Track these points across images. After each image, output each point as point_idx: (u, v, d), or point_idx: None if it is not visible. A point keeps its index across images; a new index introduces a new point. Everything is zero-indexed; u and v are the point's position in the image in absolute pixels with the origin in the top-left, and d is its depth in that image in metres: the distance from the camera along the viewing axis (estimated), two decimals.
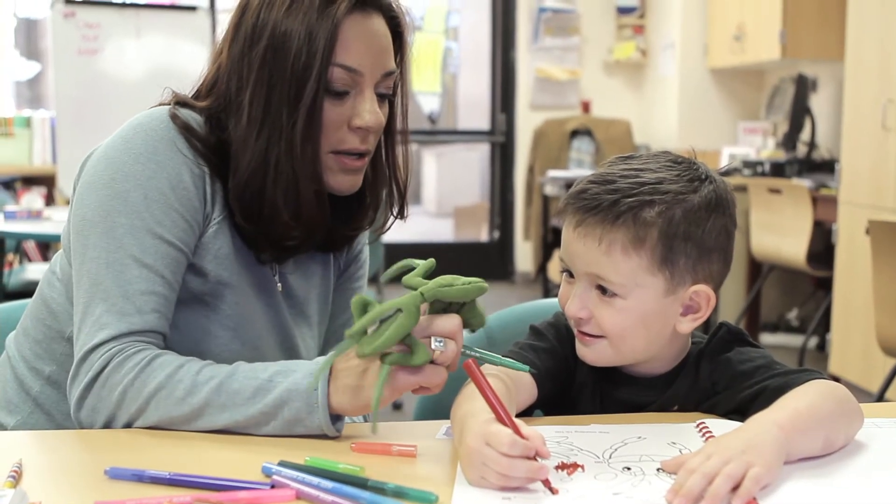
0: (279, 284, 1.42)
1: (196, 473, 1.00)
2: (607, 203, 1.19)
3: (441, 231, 9.73)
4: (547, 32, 7.25)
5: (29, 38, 7.84)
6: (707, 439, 1.13)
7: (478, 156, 8.95)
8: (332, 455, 1.05)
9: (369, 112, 1.31)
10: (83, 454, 1.13)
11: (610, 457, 1.08)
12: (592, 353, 1.25)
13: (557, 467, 1.03)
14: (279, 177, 1.29)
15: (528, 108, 7.35)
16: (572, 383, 1.31)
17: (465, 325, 1.17)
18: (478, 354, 1.17)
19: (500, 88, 7.53)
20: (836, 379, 3.80)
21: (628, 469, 1.04)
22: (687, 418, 1.22)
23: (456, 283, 1.14)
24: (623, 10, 7.30)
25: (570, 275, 1.25)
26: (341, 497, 0.93)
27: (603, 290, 1.21)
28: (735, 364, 1.25)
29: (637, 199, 1.19)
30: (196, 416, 1.17)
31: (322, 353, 1.50)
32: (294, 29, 1.27)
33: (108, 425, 1.20)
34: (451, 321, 1.14)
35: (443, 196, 10.47)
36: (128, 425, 1.20)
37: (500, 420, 1.00)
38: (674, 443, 1.13)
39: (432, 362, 1.12)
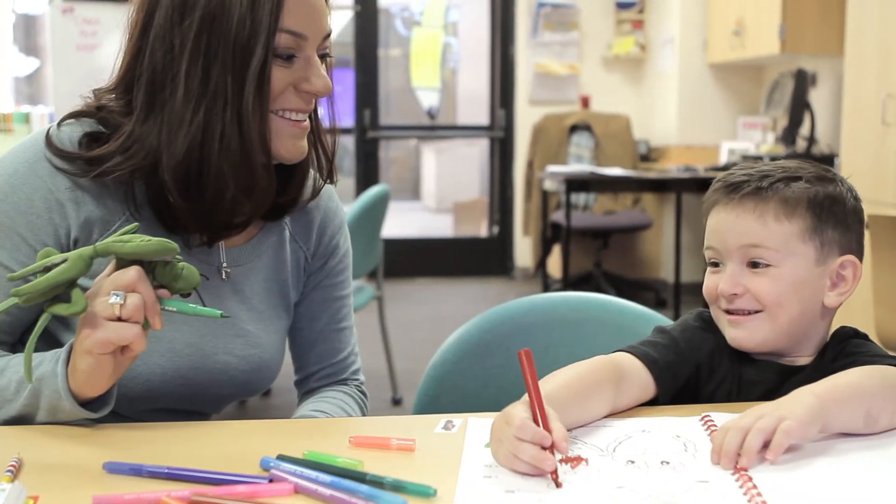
0: (227, 273, 1.39)
1: (194, 468, 0.99)
2: (757, 177, 1.28)
3: (441, 226, 9.73)
4: (546, 27, 7.24)
5: (28, 34, 7.83)
6: (711, 432, 1.12)
7: (478, 151, 8.96)
8: (330, 449, 1.04)
9: (318, 76, 1.30)
10: (81, 449, 1.12)
11: (614, 450, 1.08)
12: (747, 332, 1.27)
13: (561, 461, 1.03)
14: (225, 149, 1.25)
15: (527, 103, 7.34)
16: (709, 380, 1.32)
17: (170, 287, 1.15)
18: (174, 308, 1.15)
19: (499, 83, 7.52)
20: None
21: (632, 462, 1.03)
22: (692, 411, 1.21)
23: (134, 240, 1.11)
24: (622, 5, 7.29)
25: (715, 264, 1.30)
26: (339, 491, 0.92)
27: (754, 265, 1.26)
28: (851, 347, 1.29)
29: (784, 174, 1.28)
30: None
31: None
32: None
33: None
34: (127, 273, 1.11)
35: (442, 191, 10.48)
36: None
37: (533, 407, 1.02)
38: (678, 436, 1.12)
39: (120, 319, 1.10)
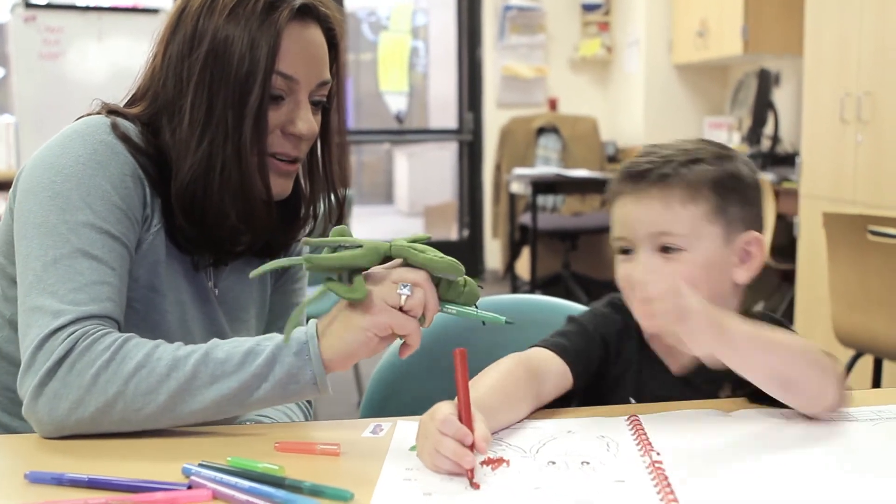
0: (216, 290, 1.42)
1: (117, 476, 0.99)
2: (660, 164, 1.29)
3: (412, 230, 9.72)
4: (513, 30, 7.26)
5: None
6: (636, 432, 1.13)
7: (449, 154, 8.97)
8: (255, 455, 1.05)
9: (303, 120, 1.32)
10: (4, 458, 1.12)
11: (537, 451, 1.09)
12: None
13: (482, 462, 1.03)
14: (226, 180, 1.29)
15: (495, 106, 7.36)
16: (617, 359, 1.34)
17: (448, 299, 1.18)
18: (454, 311, 1.18)
19: (467, 87, 7.54)
20: None
21: (553, 463, 1.05)
22: (619, 412, 1.23)
23: (428, 253, 1.15)
24: (588, 8, 7.32)
25: (626, 251, 1.31)
26: (256, 496, 0.92)
27: (666, 249, 1.28)
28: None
29: (686, 157, 1.30)
30: (182, 393, 1.13)
31: None
32: (236, 35, 1.27)
33: (71, 413, 1.13)
34: (416, 272, 1.15)
35: (415, 195, 10.48)
36: (96, 414, 1.13)
37: (459, 407, 1.03)
38: (602, 436, 1.13)
39: (401, 310, 1.13)
